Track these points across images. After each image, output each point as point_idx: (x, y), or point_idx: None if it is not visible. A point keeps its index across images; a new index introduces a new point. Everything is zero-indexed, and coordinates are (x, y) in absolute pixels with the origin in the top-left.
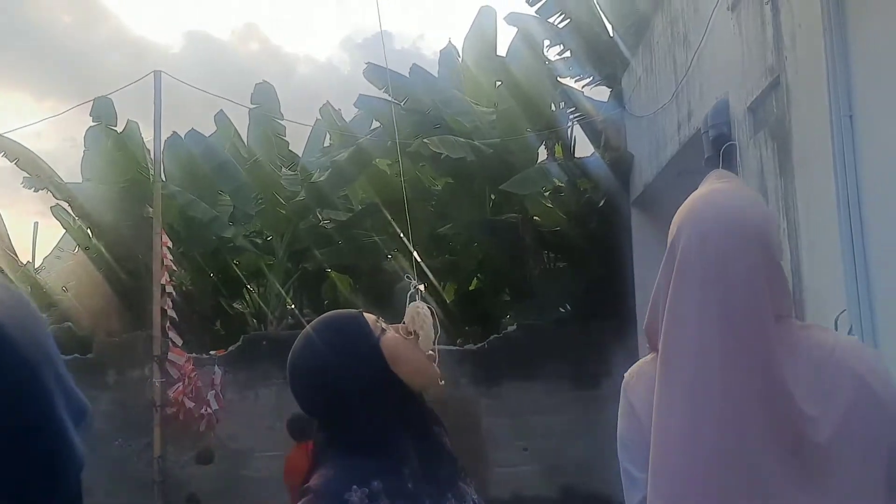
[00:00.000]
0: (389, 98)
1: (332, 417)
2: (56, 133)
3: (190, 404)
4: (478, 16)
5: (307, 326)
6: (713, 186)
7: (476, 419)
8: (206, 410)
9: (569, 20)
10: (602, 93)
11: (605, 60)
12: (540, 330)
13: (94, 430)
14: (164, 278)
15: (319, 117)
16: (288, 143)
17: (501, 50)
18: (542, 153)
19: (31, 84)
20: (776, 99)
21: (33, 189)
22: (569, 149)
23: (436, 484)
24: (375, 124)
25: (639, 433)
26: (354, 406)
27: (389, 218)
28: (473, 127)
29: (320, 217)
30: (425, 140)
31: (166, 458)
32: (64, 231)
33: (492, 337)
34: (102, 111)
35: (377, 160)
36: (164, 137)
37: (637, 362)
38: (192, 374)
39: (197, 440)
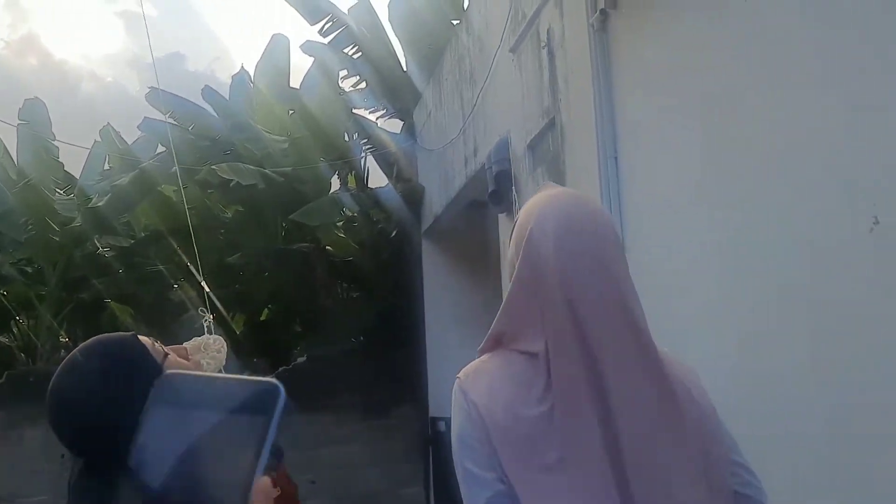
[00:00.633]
0: (175, 122)
1: (102, 456)
2: None
3: None
4: (270, 42)
5: (74, 351)
6: (555, 190)
7: None
8: None
9: (361, 52)
10: (396, 125)
11: (398, 94)
12: (330, 360)
13: None
14: None
15: (99, 139)
16: (63, 165)
17: (294, 77)
18: (336, 183)
19: None
20: (552, 138)
21: None
22: (362, 179)
23: None
24: (161, 148)
25: (483, 431)
26: (127, 434)
27: (175, 246)
28: (265, 154)
29: (98, 244)
30: (213, 167)
31: None
32: None
33: (280, 368)
34: None
35: (162, 186)
36: None
37: (470, 363)
38: None
39: None
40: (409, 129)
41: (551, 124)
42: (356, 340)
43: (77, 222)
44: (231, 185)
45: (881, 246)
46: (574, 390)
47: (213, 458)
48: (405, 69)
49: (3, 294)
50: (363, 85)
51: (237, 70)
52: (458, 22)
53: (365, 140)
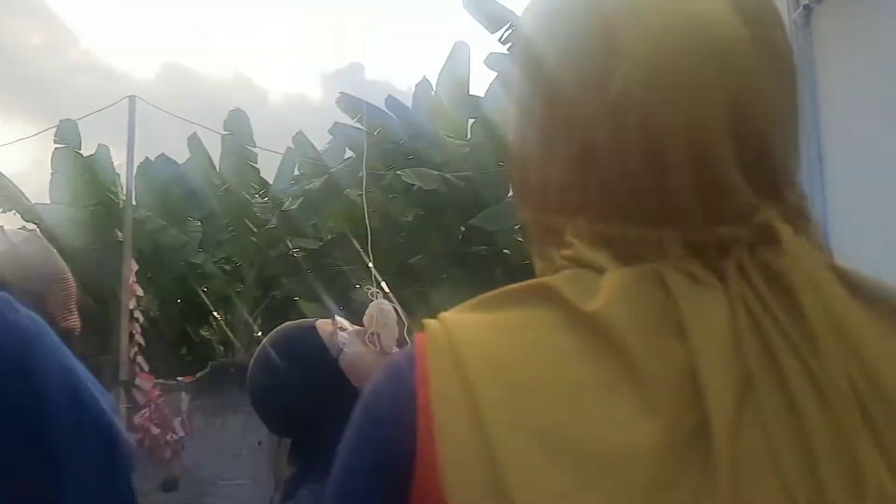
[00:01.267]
0: (363, 127)
1: (298, 439)
2: (24, 155)
3: (155, 430)
4: (452, 50)
5: (263, 341)
6: None
7: None
8: (171, 437)
9: None
10: None
11: None
12: None
13: None
14: (132, 303)
15: (291, 146)
16: (259, 171)
17: (475, 84)
18: None
19: None
20: None
21: (0, 210)
22: None
23: None
24: (348, 154)
25: None
26: (318, 427)
27: (358, 248)
28: (444, 160)
29: (290, 246)
30: (398, 172)
31: None
32: None
33: None
34: (67, 134)
35: (348, 190)
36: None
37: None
38: (159, 400)
39: (162, 467)
40: None
41: None
42: None
43: (272, 224)
44: (413, 189)
45: None
46: None
47: None
48: None
49: (204, 290)
50: None
51: (419, 79)
52: None
53: None
